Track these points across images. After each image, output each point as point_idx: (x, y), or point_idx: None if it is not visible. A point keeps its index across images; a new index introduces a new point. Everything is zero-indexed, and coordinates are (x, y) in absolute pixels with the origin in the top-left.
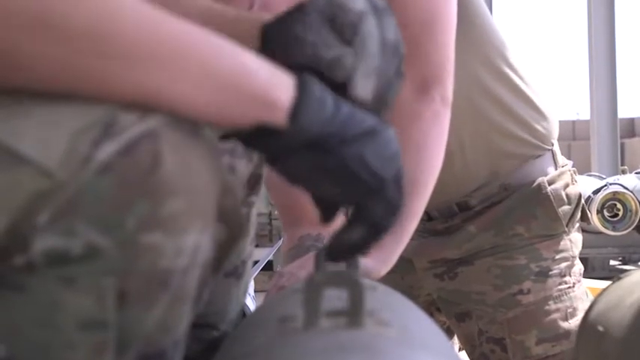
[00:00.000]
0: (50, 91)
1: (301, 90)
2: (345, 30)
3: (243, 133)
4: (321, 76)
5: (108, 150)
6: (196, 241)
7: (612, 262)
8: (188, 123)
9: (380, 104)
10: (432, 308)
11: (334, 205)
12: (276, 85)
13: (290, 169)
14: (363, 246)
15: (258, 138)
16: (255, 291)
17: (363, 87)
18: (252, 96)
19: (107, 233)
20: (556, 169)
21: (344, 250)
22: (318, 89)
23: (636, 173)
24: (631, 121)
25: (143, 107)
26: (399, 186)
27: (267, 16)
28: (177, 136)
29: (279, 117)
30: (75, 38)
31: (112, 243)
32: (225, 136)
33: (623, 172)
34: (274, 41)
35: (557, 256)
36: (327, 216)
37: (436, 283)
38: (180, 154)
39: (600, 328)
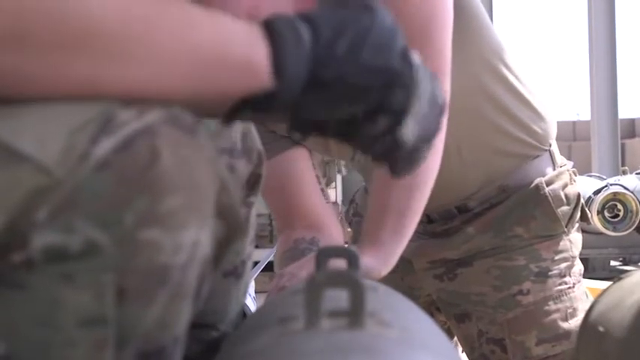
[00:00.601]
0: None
1: (273, 41)
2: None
3: (242, 109)
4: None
5: (105, 146)
6: (195, 237)
7: (613, 263)
8: (186, 119)
9: (418, 151)
10: (431, 308)
11: (366, 123)
12: (253, 50)
13: (304, 115)
14: (386, 134)
15: (257, 105)
16: (255, 292)
17: (411, 129)
18: (232, 62)
19: (106, 229)
20: (554, 169)
21: (371, 141)
22: (289, 28)
23: (637, 174)
24: (631, 122)
25: (140, 103)
26: (407, 64)
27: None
28: (175, 133)
29: (265, 80)
30: (51, 46)
31: (110, 239)
32: (229, 117)
33: (624, 172)
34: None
35: (557, 257)
36: (365, 147)
37: (436, 284)
38: (178, 150)
39: (601, 329)
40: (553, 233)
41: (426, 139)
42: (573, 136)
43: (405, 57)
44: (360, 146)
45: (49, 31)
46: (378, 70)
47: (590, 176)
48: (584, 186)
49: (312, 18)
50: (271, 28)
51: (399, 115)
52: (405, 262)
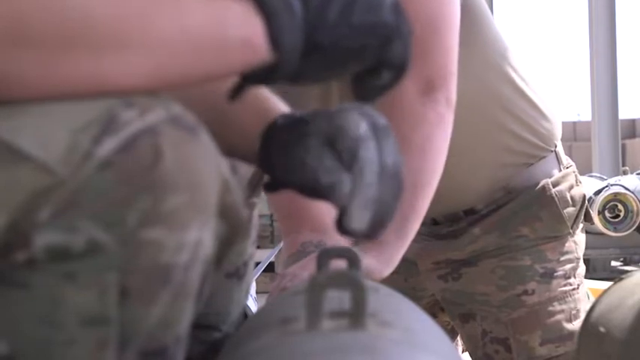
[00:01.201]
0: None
1: (266, 15)
2: (344, 155)
3: (244, 84)
4: (320, 195)
5: (108, 146)
6: (197, 236)
7: (613, 263)
8: (188, 119)
9: (376, 230)
10: (435, 309)
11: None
12: (249, 29)
13: (308, 79)
14: (393, 84)
15: (260, 78)
16: (257, 292)
17: (359, 218)
18: (232, 48)
19: (108, 229)
20: (560, 170)
21: (376, 92)
22: (279, 0)
23: (637, 174)
24: (632, 122)
25: (142, 101)
26: (400, 16)
27: (275, 112)
28: (178, 132)
29: (264, 54)
30: (51, 44)
31: (113, 239)
32: (233, 94)
33: (625, 172)
34: (275, 159)
35: (562, 258)
36: (370, 95)
37: (440, 285)
38: (181, 149)
39: (602, 330)
40: (559, 234)
41: (384, 213)
42: (574, 137)
43: (397, 10)
44: (367, 98)
45: (48, 29)
46: (372, 27)
47: (591, 176)
48: (585, 186)
49: None
50: (263, 2)
51: (401, 67)
52: (409, 263)
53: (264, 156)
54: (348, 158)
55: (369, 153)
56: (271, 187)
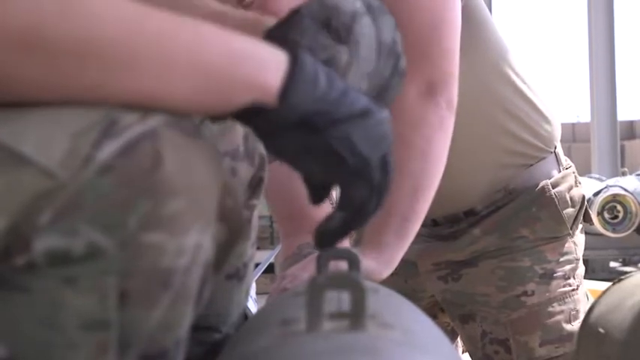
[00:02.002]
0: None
1: (293, 69)
2: (340, 31)
3: (235, 112)
4: None
5: (108, 150)
6: (198, 240)
7: (612, 264)
8: (188, 123)
9: (377, 103)
10: (435, 310)
11: (323, 186)
12: (266, 68)
13: (278, 146)
14: (345, 230)
15: (249, 116)
16: (257, 293)
17: (357, 81)
18: (241, 82)
19: (109, 233)
20: (559, 171)
21: (327, 236)
22: (312, 67)
23: (637, 175)
24: (631, 124)
25: (142, 108)
26: (385, 170)
27: (271, 21)
28: (178, 136)
29: (270, 98)
30: (63, 52)
31: (113, 243)
32: (216, 117)
33: (623, 173)
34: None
35: (562, 259)
36: (315, 197)
37: (440, 286)
38: (181, 153)
39: (601, 330)
40: (558, 235)
41: (383, 86)
42: (573, 138)
43: (385, 164)
44: (322, 243)
45: (61, 38)
46: (359, 154)
47: (590, 177)
48: (584, 187)
49: (331, 73)
50: (297, 55)
51: (356, 212)
52: (409, 264)
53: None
54: (343, 34)
55: (363, 27)
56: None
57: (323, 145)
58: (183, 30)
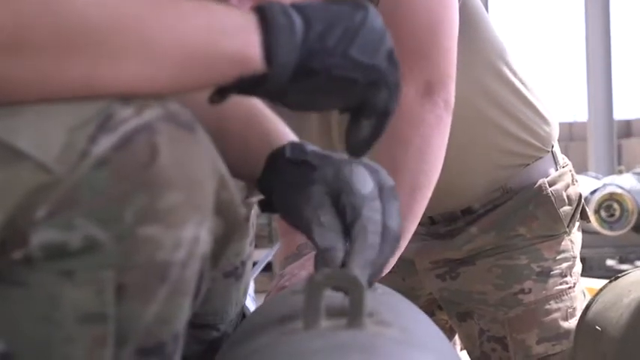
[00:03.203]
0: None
1: (268, 30)
2: (347, 211)
3: (230, 88)
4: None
5: (104, 144)
6: (194, 233)
7: (609, 262)
8: (185, 116)
9: (370, 284)
10: (433, 307)
11: (364, 141)
12: (246, 40)
13: (292, 103)
14: (376, 136)
15: (247, 88)
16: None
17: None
18: (224, 57)
19: (105, 226)
20: (556, 169)
21: (360, 145)
22: (284, 18)
23: (634, 173)
24: (627, 123)
25: (138, 101)
26: (393, 64)
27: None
28: (174, 130)
29: (257, 67)
30: (48, 49)
31: (110, 236)
32: (215, 97)
33: (620, 172)
34: (275, 196)
35: (559, 257)
36: (358, 152)
37: (438, 284)
38: (177, 147)
39: (598, 328)
40: (555, 233)
41: (379, 270)
42: (570, 137)
43: (391, 59)
44: (355, 152)
45: (46, 36)
46: (365, 66)
47: (587, 175)
48: (581, 185)
49: (306, 9)
50: (265, 14)
51: (382, 116)
52: (406, 262)
53: (265, 186)
54: (350, 215)
55: (373, 214)
56: (265, 209)
57: (330, 80)
58: (162, 8)
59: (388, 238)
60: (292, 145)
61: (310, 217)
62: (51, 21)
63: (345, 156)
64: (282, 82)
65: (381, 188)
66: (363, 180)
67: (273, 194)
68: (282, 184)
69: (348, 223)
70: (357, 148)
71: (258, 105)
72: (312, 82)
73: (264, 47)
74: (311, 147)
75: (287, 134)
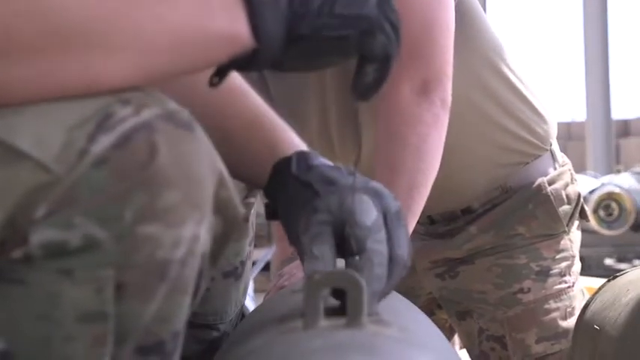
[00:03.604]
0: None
1: (251, 2)
2: (352, 244)
3: (226, 67)
4: None
5: (104, 143)
6: (194, 232)
7: (607, 262)
8: (183, 115)
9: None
10: (433, 306)
11: (371, 85)
12: (232, 16)
13: (290, 69)
14: (381, 79)
15: (243, 65)
16: (254, 291)
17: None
18: (213, 37)
19: (105, 225)
20: (555, 168)
21: (367, 89)
22: None
23: (632, 173)
24: (625, 123)
25: (137, 100)
26: (385, 8)
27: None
28: (173, 128)
29: (247, 43)
30: (37, 49)
31: (109, 235)
32: (213, 79)
33: (618, 171)
34: (279, 211)
35: (558, 256)
36: (366, 94)
37: (437, 283)
38: (176, 145)
39: (596, 327)
40: (554, 232)
41: (385, 293)
42: (568, 136)
43: (382, 2)
44: (363, 96)
45: (34, 33)
46: (353, 18)
47: (585, 174)
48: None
49: None
50: None
51: (384, 60)
52: None
53: (271, 195)
54: (355, 246)
55: (378, 245)
56: (270, 217)
57: (322, 41)
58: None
59: (396, 266)
60: (298, 157)
61: (305, 245)
62: (39, 21)
63: (349, 180)
64: (274, 53)
65: (385, 214)
66: (367, 210)
67: (277, 205)
68: (286, 200)
69: (354, 255)
70: (364, 92)
71: (262, 107)
72: (304, 47)
73: (250, 24)
74: (316, 160)
75: (293, 140)
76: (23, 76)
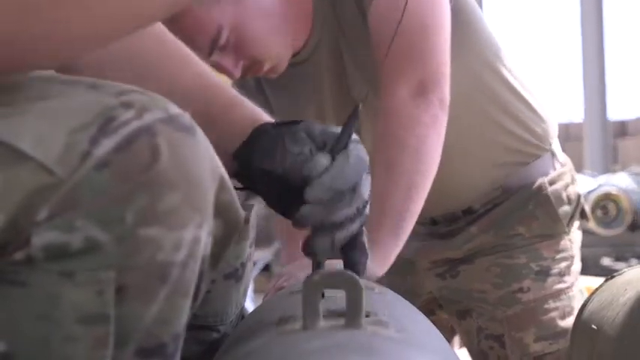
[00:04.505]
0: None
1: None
2: (331, 144)
3: None
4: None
5: (106, 146)
6: (195, 234)
7: (605, 261)
8: (185, 119)
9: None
10: (434, 306)
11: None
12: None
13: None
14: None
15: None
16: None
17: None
18: None
19: (106, 228)
20: (555, 169)
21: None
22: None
23: (629, 173)
24: (622, 124)
25: (139, 104)
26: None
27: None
28: (175, 132)
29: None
30: (43, 5)
31: (111, 237)
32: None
33: (615, 171)
34: (255, 146)
35: (558, 256)
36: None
37: (438, 283)
38: (178, 149)
39: (594, 327)
40: (554, 233)
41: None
42: (566, 137)
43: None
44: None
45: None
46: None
47: (583, 175)
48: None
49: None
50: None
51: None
52: (407, 262)
53: (245, 147)
54: (335, 148)
55: (357, 151)
56: (240, 179)
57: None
58: None
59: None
60: (273, 122)
61: (294, 151)
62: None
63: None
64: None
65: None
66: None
67: (252, 150)
68: (263, 137)
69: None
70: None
71: (239, 96)
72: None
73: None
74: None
75: (267, 116)
76: (42, 31)
